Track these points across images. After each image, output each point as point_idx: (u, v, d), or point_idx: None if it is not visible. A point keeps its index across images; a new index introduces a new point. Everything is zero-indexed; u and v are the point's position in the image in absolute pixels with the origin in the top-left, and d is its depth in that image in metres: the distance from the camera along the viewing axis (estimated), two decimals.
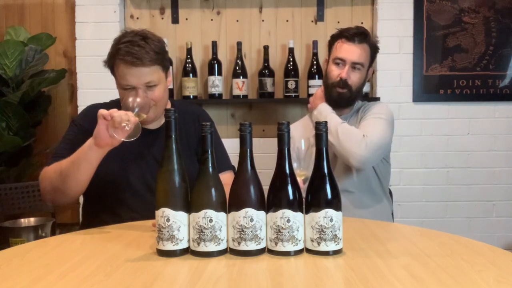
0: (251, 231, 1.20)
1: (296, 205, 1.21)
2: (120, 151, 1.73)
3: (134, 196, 1.74)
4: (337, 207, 1.22)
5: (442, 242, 1.36)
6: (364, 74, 2.04)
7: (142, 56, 1.62)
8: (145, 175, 1.75)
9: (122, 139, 1.46)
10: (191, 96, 2.97)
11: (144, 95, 1.65)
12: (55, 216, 2.82)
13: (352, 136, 1.90)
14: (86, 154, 1.51)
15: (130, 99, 1.53)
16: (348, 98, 2.03)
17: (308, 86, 2.97)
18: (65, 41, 3.16)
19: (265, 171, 1.65)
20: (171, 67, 1.88)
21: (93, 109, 1.84)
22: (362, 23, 3.09)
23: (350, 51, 1.99)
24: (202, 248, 1.20)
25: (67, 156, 1.63)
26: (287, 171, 1.23)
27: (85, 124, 1.76)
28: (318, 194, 1.22)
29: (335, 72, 2.01)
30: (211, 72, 2.97)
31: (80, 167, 1.54)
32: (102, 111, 1.43)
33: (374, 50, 2.06)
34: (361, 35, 2.00)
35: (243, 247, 1.20)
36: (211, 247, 1.20)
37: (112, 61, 1.68)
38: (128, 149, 1.67)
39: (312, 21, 3.08)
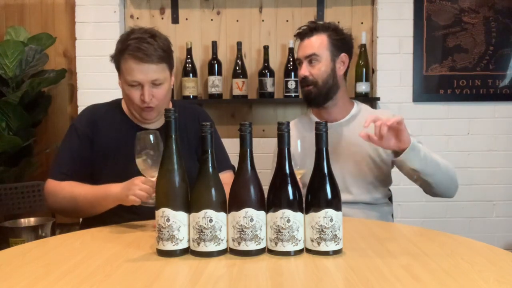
0: (251, 231, 1.20)
1: (296, 205, 1.21)
2: (120, 151, 1.74)
3: None
4: (337, 207, 1.22)
5: (442, 242, 1.36)
6: (327, 63, 1.93)
7: (150, 53, 1.64)
8: None
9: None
10: (191, 96, 2.97)
11: (150, 92, 1.66)
12: (55, 216, 2.82)
13: (450, 168, 1.82)
14: (107, 205, 1.59)
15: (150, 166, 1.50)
16: (318, 93, 1.93)
17: None
18: (65, 41, 3.16)
19: (265, 171, 1.65)
20: None
21: (94, 111, 1.84)
22: (362, 23, 3.09)
23: (301, 48, 1.96)
24: (202, 248, 1.20)
25: (72, 167, 1.71)
26: (287, 171, 1.23)
27: (86, 130, 1.77)
28: (318, 194, 1.22)
29: (299, 73, 1.98)
30: (211, 72, 2.97)
31: (97, 209, 1.62)
32: (134, 199, 1.45)
33: (335, 37, 1.94)
34: (309, 29, 1.95)
35: (243, 247, 1.20)
36: (211, 247, 1.20)
37: (120, 57, 1.68)
38: (129, 149, 1.67)
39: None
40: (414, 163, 1.73)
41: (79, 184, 1.67)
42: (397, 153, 1.75)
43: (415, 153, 1.71)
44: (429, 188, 1.84)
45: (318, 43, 1.93)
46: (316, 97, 1.95)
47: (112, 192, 1.54)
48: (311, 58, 1.93)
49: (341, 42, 1.97)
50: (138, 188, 1.45)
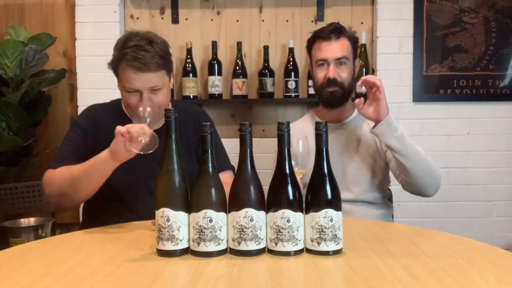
0: (251, 231, 1.20)
1: (296, 205, 1.21)
2: None
3: (134, 196, 1.75)
4: (337, 207, 1.22)
5: (442, 242, 1.36)
6: (351, 67, 1.98)
7: (148, 62, 1.61)
8: (146, 176, 1.75)
9: (140, 152, 1.47)
10: (191, 96, 2.97)
11: (152, 104, 1.65)
12: (55, 216, 2.82)
13: (433, 164, 1.82)
14: (101, 166, 1.53)
15: (141, 109, 1.54)
16: (342, 96, 1.97)
17: (308, 86, 2.97)
18: (65, 41, 3.16)
19: (265, 171, 1.65)
20: None
21: (95, 110, 1.85)
22: (362, 23, 3.09)
23: (330, 49, 1.95)
24: (202, 248, 1.20)
25: (72, 159, 1.66)
26: (287, 171, 1.23)
27: (88, 126, 1.77)
28: (318, 194, 1.22)
29: (321, 74, 1.96)
30: (211, 72, 2.97)
31: (93, 177, 1.56)
32: (120, 129, 1.43)
33: (354, 42, 2.00)
34: (336, 31, 1.96)
35: (243, 247, 1.20)
36: (211, 247, 1.20)
37: (118, 64, 1.67)
38: None
39: (312, 21, 3.09)
40: (388, 139, 1.77)
41: (75, 164, 1.64)
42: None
43: (390, 130, 1.76)
44: (406, 176, 1.82)
45: (346, 46, 1.97)
46: (340, 98, 1.98)
47: (105, 151, 1.51)
48: (341, 61, 1.95)
49: (356, 47, 2.04)
50: (129, 127, 1.42)
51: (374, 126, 1.80)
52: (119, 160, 1.50)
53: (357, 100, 1.79)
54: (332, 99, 1.98)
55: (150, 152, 1.47)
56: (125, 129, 1.42)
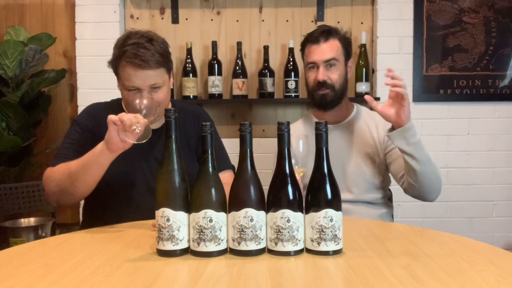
0: (251, 231, 1.20)
1: (296, 205, 1.21)
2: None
3: (134, 196, 1.75)
4: (337, 207, 1.22)
5: (442, 242, 1.36)
6: (343, 68, 1.98)
7: (148, 59, 1.62)
8: (145, 175, 1.75)
9: (134, 142, 1.45)
10: (191, 96, 2.97)
11: (149, 96, 1.65)
12: (55, 216, 2.82)
13: (438, 169, 1.83)
14: (97, 158, 1.51)
15: (137, 101, 1.52)
16: (333, 98, 1.96)
17: None
18: (65, 41, 3.16)
19: (265, 171, 1.65)
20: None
21: (95, 108, 1.85)
22: (362, 23, 3.09)
23: (318, 52, 1.95)
24: (202, 248, 1.20)
25: (72, 157, 1.64)
26: (287, 171, 1.23)
27: (88, 124, 1.77)
28: (318, 194, 1.22)
29: (312, 76, 1.98)
30: (211, 72, 2.97)
31: (90, 170, 1.54)
32: (112, 117, 1.41)
33: (345, 43, 2.00)
34: (325, 33, 1.96)
35: (243, 247, 1.20)
36: (211, 247, 1.20)
37: (118, 62, 1.67)
38: (129, 149, 1.67)
39: (312, 21, 3.09)
40: (405, 145, 1.73)
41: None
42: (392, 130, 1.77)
43: (410, 135, 1.72)
44: (414, 180, 1.80)
45: (336, 47, 1.96)
46: (332, 100, 1.98)
47: (101, 143, 1.49)
48: (331, 63, 1.95)
49: (349, 47, 2.03)
50: (121, 115, 1.41)
51: (391, 129, 1.76)
52: (115, 151, 1.48)
53: (367, 96, 1.77)
54: (324, 102, 1.98)
55: (143, 142, 1.45)
56: (117, 117, 1.41)
